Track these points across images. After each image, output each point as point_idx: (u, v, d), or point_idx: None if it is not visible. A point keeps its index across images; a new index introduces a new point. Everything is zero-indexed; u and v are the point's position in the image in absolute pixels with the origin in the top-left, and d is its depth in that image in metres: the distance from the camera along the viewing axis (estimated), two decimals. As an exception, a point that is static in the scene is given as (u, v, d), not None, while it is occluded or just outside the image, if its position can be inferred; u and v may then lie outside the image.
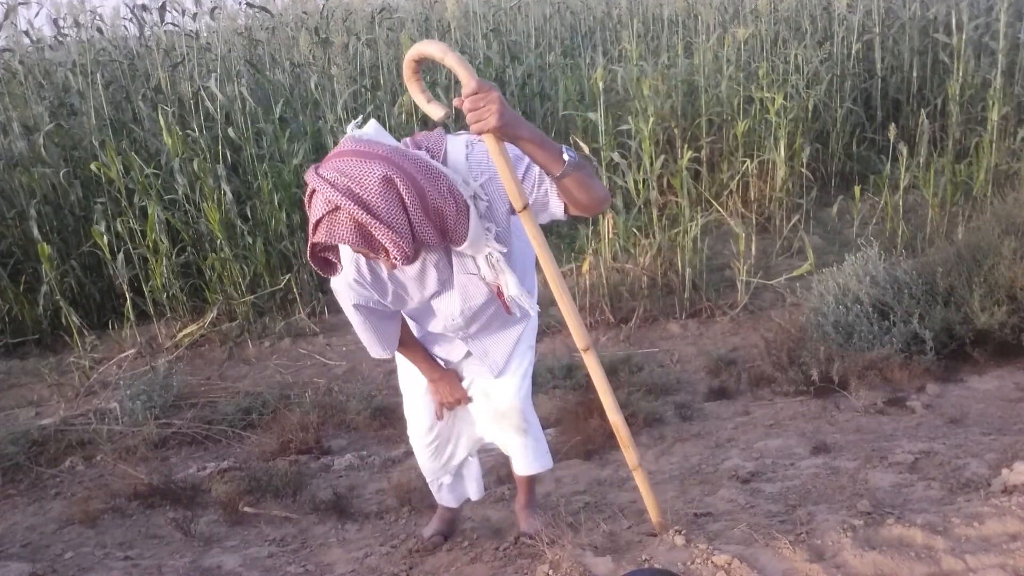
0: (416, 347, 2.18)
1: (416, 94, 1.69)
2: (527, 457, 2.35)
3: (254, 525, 2.88)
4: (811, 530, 2.09)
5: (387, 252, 1.62)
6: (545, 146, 1.66)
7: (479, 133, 1.60)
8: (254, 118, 5.03)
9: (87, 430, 3.63)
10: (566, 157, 1.69)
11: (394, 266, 1.71)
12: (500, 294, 1.93)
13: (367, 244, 1.60)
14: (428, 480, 2.48)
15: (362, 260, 1.84)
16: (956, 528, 2.05)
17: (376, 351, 2.09)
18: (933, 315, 3.62)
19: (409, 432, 2.39)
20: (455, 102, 1.59)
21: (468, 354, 2.18)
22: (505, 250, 1.85)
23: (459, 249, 1.80)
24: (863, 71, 6.42)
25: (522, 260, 2.06)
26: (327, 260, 1.76)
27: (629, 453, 2.06)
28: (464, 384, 2.26)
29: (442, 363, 2.24)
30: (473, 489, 2.52)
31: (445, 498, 2.51)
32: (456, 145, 1.77)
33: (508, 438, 2.31)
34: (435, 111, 1.66)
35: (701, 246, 4.74)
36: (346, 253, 1.83)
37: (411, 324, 2.18)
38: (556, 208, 1.80)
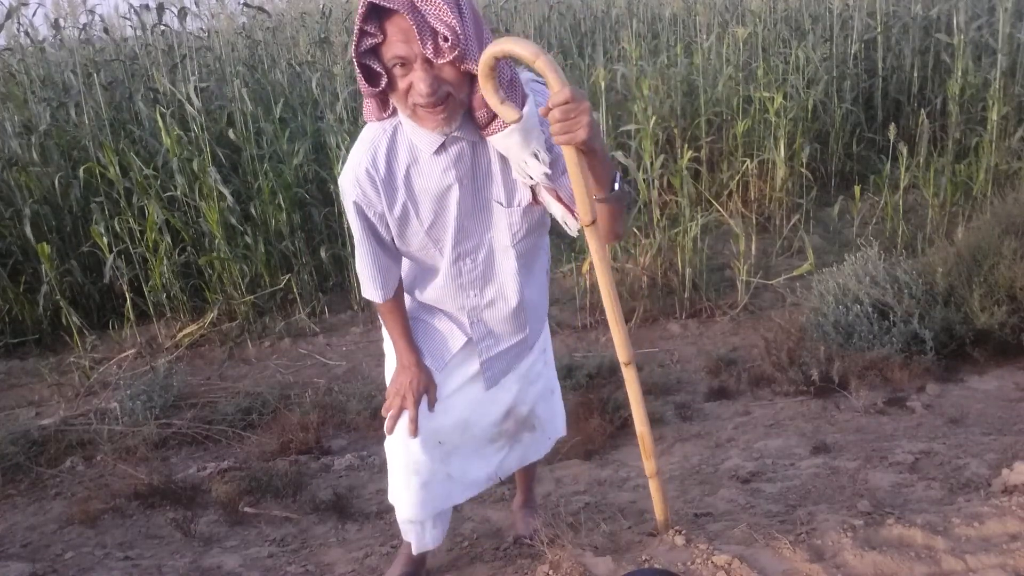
0: (403, 316, 1.95)
1: (490, 94, 1.52)
2: (536, 449, 2.24)
3: (254, 525, 2.88)
4: (811, 530, 2.09)
5: (434, 38, 1.47)
6: (605, 165, 1.57)
7: (563, 144, 1.48)
8: (254, 118, 5.03)
9: (87, 430, 3.63)
10: (616, 186, 1.60)
11: (429, 66, 1.51)
12: (559, 198, 1.73)
13: (417, 20, 1.45)
14: (411, 520, 2.10)
15: (380, 150, 1.70)
16: (956, 528, 2.05)
17: (369, 287, 1.87)
18: (933, 315, 3.62)
19: (401, 467, 2.04)
20: (539, 111, 1.49)
21: (468, 341, 1.97)
22: (550, 162, 1.65)
23: (503, 135, 1.60)
24: (863, 71, 6.42)
25: (540, 287, 2.00)
26: (369, 68, 1.55)
27: (649, 463, 2.05)
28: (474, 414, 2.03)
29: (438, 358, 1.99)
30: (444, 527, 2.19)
31: (429, 540, 2.13)
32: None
33: (519, 439, 2.16)
34: (509, 113, 1.53)
35: (701, 246, 4.74)
36: (365, 138, 1.72)
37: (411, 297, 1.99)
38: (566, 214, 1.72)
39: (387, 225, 1.78)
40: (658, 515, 2.12)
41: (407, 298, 2.02)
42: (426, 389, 1.97)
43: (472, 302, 1.91)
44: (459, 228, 1.79)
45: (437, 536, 2.14)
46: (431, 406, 1.97)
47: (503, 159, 1.73)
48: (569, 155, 1.52)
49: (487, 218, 1.80)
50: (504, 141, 1.63)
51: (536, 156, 1.63)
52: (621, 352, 1.85)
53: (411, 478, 2.01)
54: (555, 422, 2.28)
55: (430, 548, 2.16)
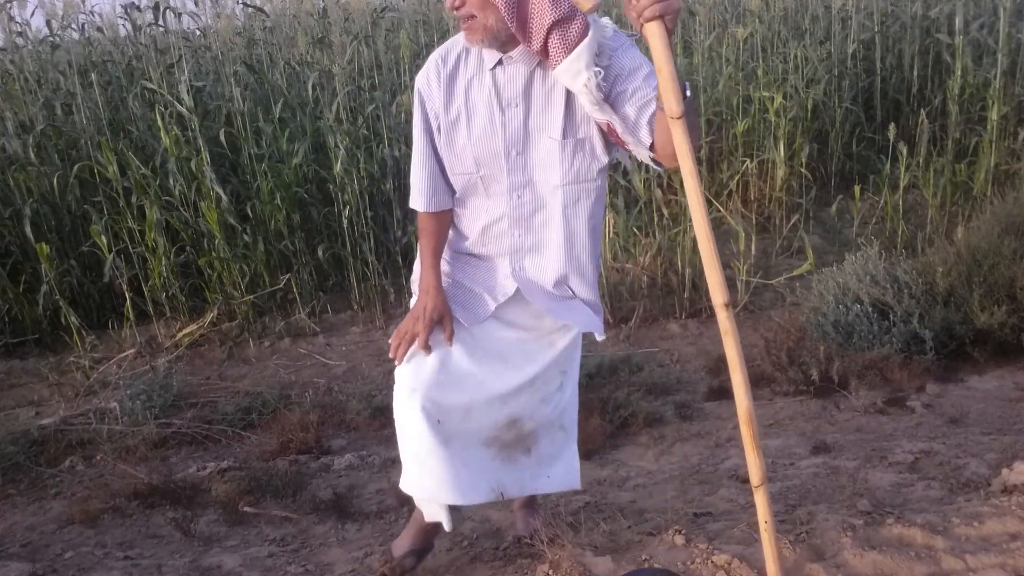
0: (439, 241, 1.98)
1: None
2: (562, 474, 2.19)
3: (254, 525, 2.88)
4: (811, 530, 2.10)
5: None
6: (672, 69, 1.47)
7: (652, 19, 1.37)
8: (252, 117, 5.03)
9: (87, 430, 3.63)
10: (687, 93, 1.50)
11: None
12: (611, 131, 1.76)
13: None
14: (415, 495, 2.09)
15: (454, 52, 1.83)
16: (956, 528, 2.05)
17: (415, 193, 1.93)
18: (933, 315, 3.62)
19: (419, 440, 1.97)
20: None
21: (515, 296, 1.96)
22: (605, 86, 1.69)
23: (564, 66, 1.65)
24: (862, 71, 6.42)
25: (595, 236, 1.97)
26: None
27: (756, 463, 1.62)
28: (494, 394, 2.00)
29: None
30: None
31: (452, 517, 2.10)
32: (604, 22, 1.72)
33: (513, 458, 2.10)
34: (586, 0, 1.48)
35: (701, 246, 4.73)
36: (449, 40, 1.85)
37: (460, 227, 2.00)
38: (646, 139, 1.68)
39: (439, 128, 1.86)
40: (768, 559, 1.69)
41: (446, 254, 2.04)
42: (440, 317, 1.95)
43: (516, 242, 1.93)
44: (507, 155, 1.83)
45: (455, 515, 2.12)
46: (447, 338, 1.95)
47: (566, 92, 1.77)
48: (657, 35, 1.39)
49: (537, 153, 1.84)
50: (570, 66, 1.65)
51: (587, 84, 1.66)
52: (717, 292, 1.50)
53: (412, 443, 1.98)
54: (562, 465, 2.18)
55: (446, 528, 2.11)
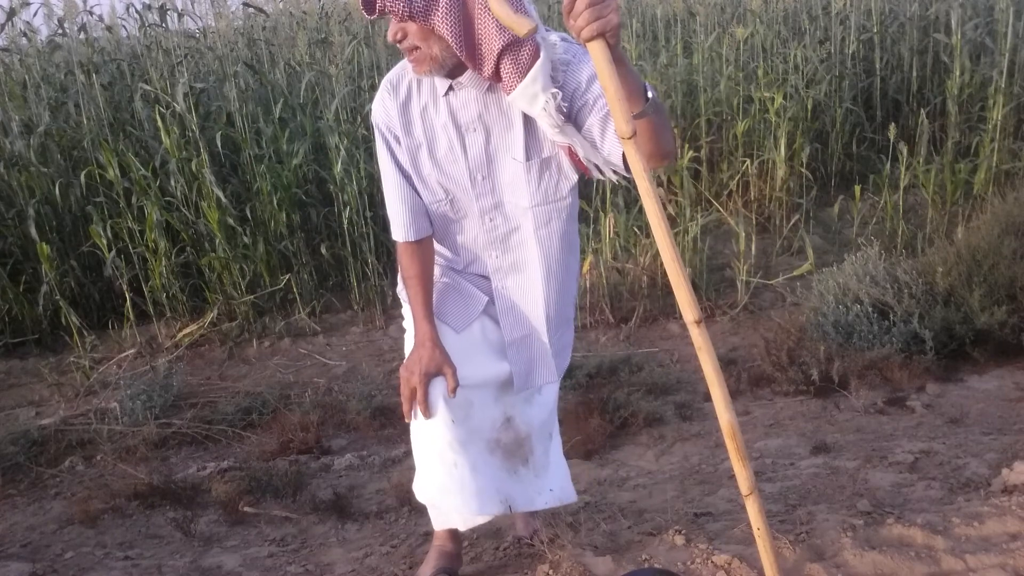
0: (427, 287, 1.90)
1: (498, 5, 1.43)
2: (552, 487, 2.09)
3: (254, 525, 2.88)
4: (811, 530, 2.10)
5: None
6: (632, 71, 1.46)
7: (591, 38, 1.34)
8: (253, 118, 5.03)
9: (87, 430, 3.63)
10: (650, 94, 1.49)
11: (397, 17, 1.60)
12: (572, 154, 1.73)
13: None
14: (431, 503, 2.02)
15: (405, 79, 1.79)
16: (956, 528, 2.05)
17: (395, 225, 1.89)
18: (933, 315, 3.62)
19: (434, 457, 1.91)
20: (564, 3, 1.36)
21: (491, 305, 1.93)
22: (565, 105, 1.63)
23: (519, 90, 1.60)
24: (862, 71, 6.42)
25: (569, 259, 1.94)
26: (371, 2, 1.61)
27: (744, 473, 1.59)
28: (482, 412, 1.93)
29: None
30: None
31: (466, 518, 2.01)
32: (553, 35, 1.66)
33: (516, 471, 2.03)
34: (522, 24, 1.42)
35: (701, 246, 4.74)
36: (399, 65, 1.79)
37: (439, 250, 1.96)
38: (615, 148, 1.60)
39: (404, 151, 1.83)
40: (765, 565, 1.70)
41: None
42: (439, 369, 1.84)
43: (495, 263, 1.92)
44: (472, 181, 1.81)
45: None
46: (451, 391, 1.84)
47: (524, 115, 1.74)
48: (599, 53, 1.36)
49: (503, 176, 1.81)
50: (525, 90, 1.60)
51: (545, 107, 1.62)
52: (687, 310, 1.52)
53: (427, 449, 1.92)
54: (558, 475, 2.13)
55: (460, 527, 2.04)
